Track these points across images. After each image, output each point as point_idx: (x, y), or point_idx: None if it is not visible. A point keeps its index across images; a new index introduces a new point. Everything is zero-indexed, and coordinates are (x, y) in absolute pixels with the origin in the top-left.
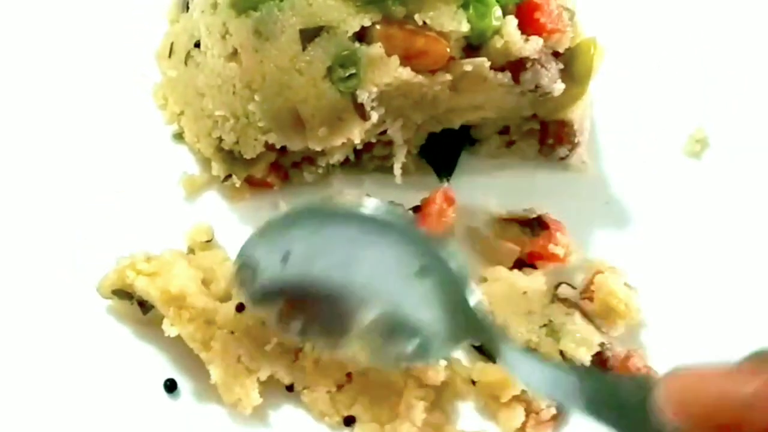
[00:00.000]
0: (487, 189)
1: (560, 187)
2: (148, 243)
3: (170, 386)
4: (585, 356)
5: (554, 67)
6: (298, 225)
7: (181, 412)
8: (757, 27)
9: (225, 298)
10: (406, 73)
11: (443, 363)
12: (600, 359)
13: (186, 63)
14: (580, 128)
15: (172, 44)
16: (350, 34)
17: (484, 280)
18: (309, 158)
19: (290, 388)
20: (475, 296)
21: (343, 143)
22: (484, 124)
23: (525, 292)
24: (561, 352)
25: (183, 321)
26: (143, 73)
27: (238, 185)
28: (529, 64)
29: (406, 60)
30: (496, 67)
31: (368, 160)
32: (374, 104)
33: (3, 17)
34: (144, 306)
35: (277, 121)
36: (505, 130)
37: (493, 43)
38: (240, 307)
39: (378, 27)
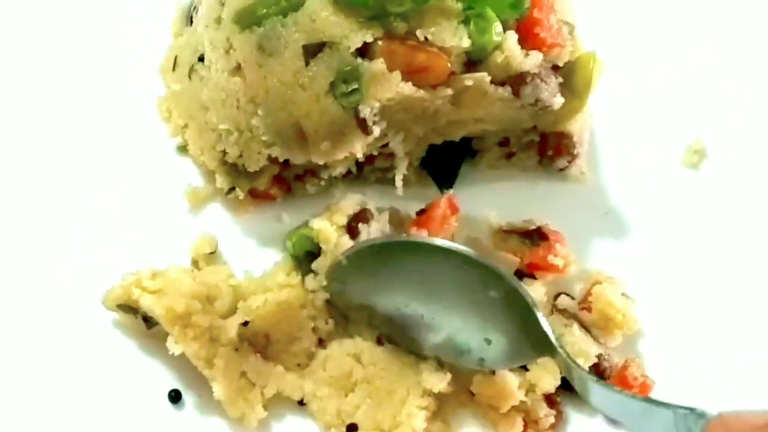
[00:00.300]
0: (487, 200)
1: (560, 197)
2: (153, 254)
3: (175, 397)
4: (582, 366)
5: (554, 81)
6: (379, 251)
7: (185, 423)
8: (754, 41)
9: (229, 314)
10: (407, 88)
11: (447, 374)
12: (597, 370)
13: (190, 77)
14: (580, 140)
15: (176, 58)
16: (352, 49)
17: None
18: (311, 171)
19: (301, 402)
20: (544, 319)
21: (346, 156)
22: (485, 136)
23: None
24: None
25: (187, 339)
26: (148, 86)
27: (241, 197)
28: (529, 79)
29: (407, 75)
30: (497, 82)
31: (370, 172)
32: (376, 119)
33: (10, 32)
34: (148, 321)
35: (280, 135)
36: (505, 142)
37: (493, 58)
38: (245, 324)
39: (380, 43)
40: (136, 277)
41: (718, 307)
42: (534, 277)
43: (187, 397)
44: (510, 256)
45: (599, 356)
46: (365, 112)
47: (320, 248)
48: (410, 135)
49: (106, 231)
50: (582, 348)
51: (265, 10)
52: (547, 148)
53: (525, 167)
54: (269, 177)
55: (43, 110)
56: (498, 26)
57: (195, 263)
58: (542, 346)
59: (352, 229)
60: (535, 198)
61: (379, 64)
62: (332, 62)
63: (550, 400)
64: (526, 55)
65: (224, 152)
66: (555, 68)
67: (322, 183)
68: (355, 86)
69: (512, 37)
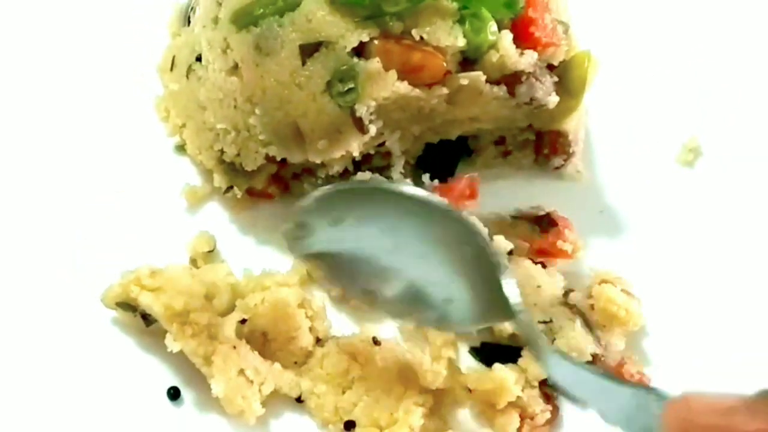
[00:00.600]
0: (483, 198)
1: (555, 196)
2: (151, 252)
3: (174, 394)
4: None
5: (549, 80)
6: (350, 196)
7: (184, 419)
8: (749, 39)
9: (227, 312)
10: (403, 87)
11: (443, 371)
12: None
13: (187, 76)
14: (575, 139)
15: (173, 58)
16: (349, 49)
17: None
18: (309, 170)
19: (299, 399)
20: (509, 283)
21: (342, 155)
22: (481, 135)
23: (539, 286)
24: None
25: (185, 336)
26: (146, 85)
27: (239, 196)
28: (524, 78)
29: (403, 74)
30: (492, 81)
31: (367, 170)
32: (372, 117)
33: (8, 31)
34: (147, 319)
35: (277, 134)
36: (501, 141)
37: (488, 57)
38: (243, 321)
39: (376, 42)
40: (134, 275)
41: (715, 305)
42: (543, 265)
43: (186, 394)
44: (519, 241)
45: (594, 355)
46: (361, 111)
47: None
48: (406, 134)
49: (105, 229)
50: (578, 344)
51: (261, 10)
52: (543, 146)
53: (521, 166)
54: (267, 176)
55: (41, 109)
56: (493, 26)
57: (193, 261)
58: (505, 310)
59: None
60: (531, 196)
61: (375, 64)
62: (328, 62)
63: (546, 395)
64: (521, 54)
65: (222, 151)
66: (550, 67)
67: (319, 182)
68: (351, 85)
69: (507, 36)
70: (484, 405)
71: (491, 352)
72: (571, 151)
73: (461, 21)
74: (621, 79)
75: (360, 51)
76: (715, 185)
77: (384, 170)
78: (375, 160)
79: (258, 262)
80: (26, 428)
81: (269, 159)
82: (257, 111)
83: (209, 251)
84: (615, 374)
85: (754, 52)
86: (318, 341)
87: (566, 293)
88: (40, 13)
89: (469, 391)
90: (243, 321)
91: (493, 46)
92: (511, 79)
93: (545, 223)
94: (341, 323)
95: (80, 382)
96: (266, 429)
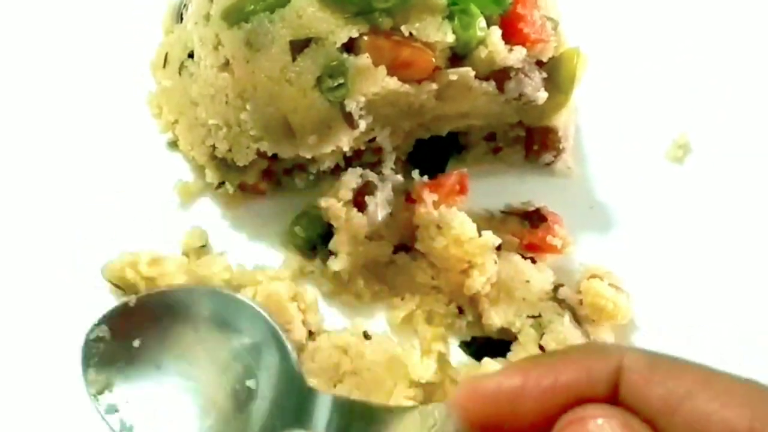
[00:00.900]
0: (474, 194)
1: (546, 192)
2: (144, 247)
3: None
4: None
5: (538, 76)
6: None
7: None
8: (738, 36)
9: None
10: (392, 83)
11: (433, 365)
12: None
13: (180, 73)
14: (565, 135)
15: (166, 54)
16: (338, 45)
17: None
18: (300, 165)
19: None
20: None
21: (333, 151)
22: (471, 131)
23: (528, 281)
24: (540, 347)
25: None
26: (139, 82)
27: (231, 192)
28: (512, 74)
29: (392, 70)
30: (481, 77)
31: (358, 166)
32: (362, 113)
33: (2, 29)
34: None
35: (268, 130)
36: (491, 137)
37: (477, 53)
38: None
39: (365, 38)
40: (134, 257)
41: (704, 300)
42: (533, 260)
43: None
44: (509, 236)
45: None
46: (351, 106)
47: (330, 229)
48: (397, 129)
49: (98, 225)
50: (567, 339)
51: (252, 7)
52: (533, 142)
53: (511, 162)
54: (258, 171)
55: (34, 106)
56: (482, 22)
57: (186, 256)
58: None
59: (359, 203)
60: (521, 192)
61: (364, 59)
62: (318, 57)
63: None
64: (510, 50)
65: (214, 147)
66: (539, 63)
67: (311, 177)
68: (341, 81)
69: (496, 32)
70: None
71: (481, 347)
72: (561, 147)
73: (450, 17)
74: (611, 76)
75: (350, 47)
76: (704, 181)
77: (375, 166)
78: (366, 156)
79: (250, 257)
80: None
81: (260, 154)
82: (248, 107)
83: (202, 246)
84: None
85: (744, 49)
86: (311, 334)
87: (556, 288)
88: (34, 10)
89: None
90: None
91: (482, 42)
92: (500, 75)
93: (535, 218)
94: (332, 317)
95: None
96: None
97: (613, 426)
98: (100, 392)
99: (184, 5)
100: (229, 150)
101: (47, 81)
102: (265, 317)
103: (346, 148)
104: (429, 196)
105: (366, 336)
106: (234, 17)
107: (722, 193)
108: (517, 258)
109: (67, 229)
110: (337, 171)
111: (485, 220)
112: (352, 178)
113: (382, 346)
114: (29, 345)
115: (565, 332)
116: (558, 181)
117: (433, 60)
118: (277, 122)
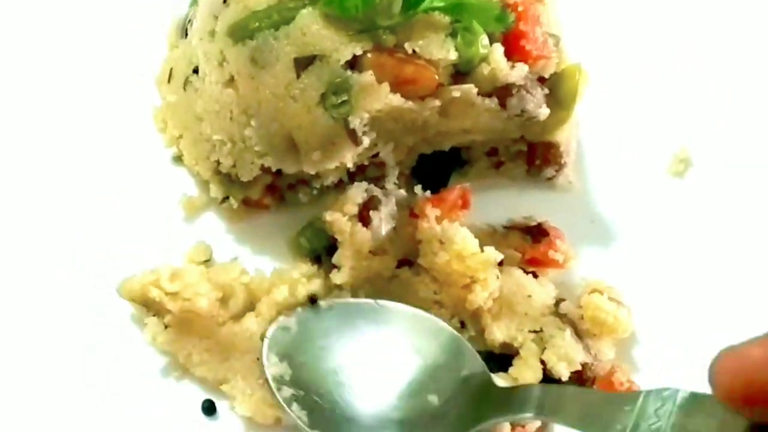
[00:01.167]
0: (476, 209)
1: (547, 206)
2: (149, 262)
3: (209, 408)
4: (564, 371)
5: (540, 92)
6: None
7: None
8: (738, 51)
9: (242, 314)
10: (396, 100)
11: None
12: (580, 377)
13: (185, 88)
14: (567, 149)
15: (171, 70)
16: (342, 62)
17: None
18: (304, 180)
19: None
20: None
21: (337, 166)
22: (473, 147)
23: (530, 296)
24: (542, 362)
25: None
26: (144, 97)
27: (235, 206)
28: (515, 90)
29: (396, 87)
30: (484, 93)
31: (361, 181)
32: (366, 129)
33: (9, 43)
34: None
35: (272, 146)
36: (493, 152)
37: (480, 70)
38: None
39: (369, 55)
40: (155, 275)
41: (704, 313)
42: (535, 275)
43: (222, 406)
44: (510, 251)
45: (584, 365)
46: (355, 122)
47: (335, 242)
48: (400, 145)
49: (103, 239)
50: (568, 353)
51: (257, 24)
52: (535, 157)
53: (513, 176)
54: (262, 186)
55: (42, 119)
56: (484, 39)
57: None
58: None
59: (363, 218)
60: (523, 206)
61: (368, 76)
62: (323, 74)
63: None
64: (512, 67)
65: (218, 162)
66: (541, 80)
67: (314, 192)
68: (344, 98)
69: (498, 49)
70: None
71: (484, 360)
72: (562, 161)
73: (453, 34)
74: (612, 91)
75: (353, 64)
76: (705, 195)
77: (378, 181)
78: (369, 171)
79: (253, 271)
80: None
81: (264, 170)
82: (253, 123)
83: (206, 261)
84: (605, 382)
85: (744, 63)
86: None
87: (557, 303)
88: (42, 24)
89: None
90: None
91: (485, 59)
92: (503, 92)
93: (537, 233)
94: None
95: (112, 394)
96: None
97: None
98: (280, 380)
99: (189, 20)
100: (234, 165)
101: (53, 96)
102: (450, 331)
103: (349, 164)
104: (432, 211)
105: None
106: (239, 34)
107: (723, 207)
108: (519, 273)
109: (72, 242)
110: (340, 186)
111: (487, 235)
112: (357, 193)
113: None
114: (35, 355)
115: (566, 347)
116: (559, 195)
117: (436, 77)
118: (282, 138)
